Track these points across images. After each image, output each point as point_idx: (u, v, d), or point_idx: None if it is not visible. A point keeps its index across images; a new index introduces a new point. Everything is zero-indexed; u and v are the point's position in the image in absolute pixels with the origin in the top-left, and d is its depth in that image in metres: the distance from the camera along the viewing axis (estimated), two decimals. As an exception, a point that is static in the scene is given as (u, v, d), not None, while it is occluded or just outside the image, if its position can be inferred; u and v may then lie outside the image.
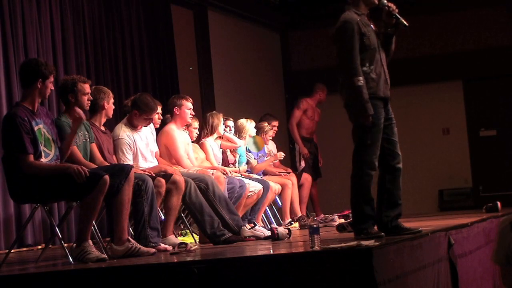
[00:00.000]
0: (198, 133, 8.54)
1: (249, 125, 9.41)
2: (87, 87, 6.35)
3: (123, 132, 7.06)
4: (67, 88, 6.32)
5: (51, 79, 5.89)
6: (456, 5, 13.63)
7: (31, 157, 5.75)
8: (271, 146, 10.32)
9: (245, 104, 12.40)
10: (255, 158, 9.61)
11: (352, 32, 5.89)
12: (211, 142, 8.66)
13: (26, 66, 5.97)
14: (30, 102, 5.85)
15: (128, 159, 6.98)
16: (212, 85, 11.96)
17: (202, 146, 8.62)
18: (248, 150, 9.53)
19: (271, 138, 10.11)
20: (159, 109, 7.58)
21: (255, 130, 9.53)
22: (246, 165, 9.22)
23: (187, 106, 7.86)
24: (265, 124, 9.96)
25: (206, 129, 8.71)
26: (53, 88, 5.97)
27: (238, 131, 9.31)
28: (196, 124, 8.45)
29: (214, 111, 9.16)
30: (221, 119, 8.78)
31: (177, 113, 7.82)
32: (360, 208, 5.95)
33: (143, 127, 7.21)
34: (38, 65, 5.88)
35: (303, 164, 10.75)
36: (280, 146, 10.81)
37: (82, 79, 6.39)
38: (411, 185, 13.53)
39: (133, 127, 7.14)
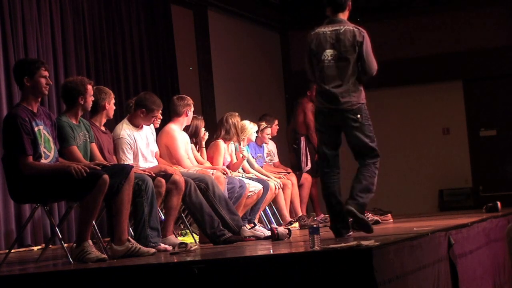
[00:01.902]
0: (205, 131, 8.48)
1: (251, 128, 9.25)
2: (90, 89, 6.32)
3: (124, 131, 7.05)
4: (78, 90, 6.24)
5: (42, 73, 5.78)
6: (455, 5, 13.62)
7: (30, 158, 5.73)
8: (271, 146, 10.29)
9: (245, 104, 12.38)
10: (253, 157, 9.59)
11: None
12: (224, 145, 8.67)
13: (14, 68, 5.97)
14: (28, 102, 5.82)
15: (129, 159, 6.98)
16: (212, 85, 11.96)
17: (215, 146, 8.59)
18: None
19: (270, 137, 10.05)
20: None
21: (256, 135, 9.43)
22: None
23: (192, 108, 7.90)
24: (263, 122, 9.89)
25: (231, 131, 8.68)
26: (50, 82, 5.90)
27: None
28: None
29: (231, 112, 9.04)
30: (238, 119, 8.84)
31: (186, 116, 7.85)
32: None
33: (144, 127, 7.21)
34: (22, 64, 5.87)
35: (309, 165, 10.64)
36: (280, 146, 10.78)
37: (88, 80, 6.35)
38: (411, 185, 13.52)
39: (134, 126, 7.14)
